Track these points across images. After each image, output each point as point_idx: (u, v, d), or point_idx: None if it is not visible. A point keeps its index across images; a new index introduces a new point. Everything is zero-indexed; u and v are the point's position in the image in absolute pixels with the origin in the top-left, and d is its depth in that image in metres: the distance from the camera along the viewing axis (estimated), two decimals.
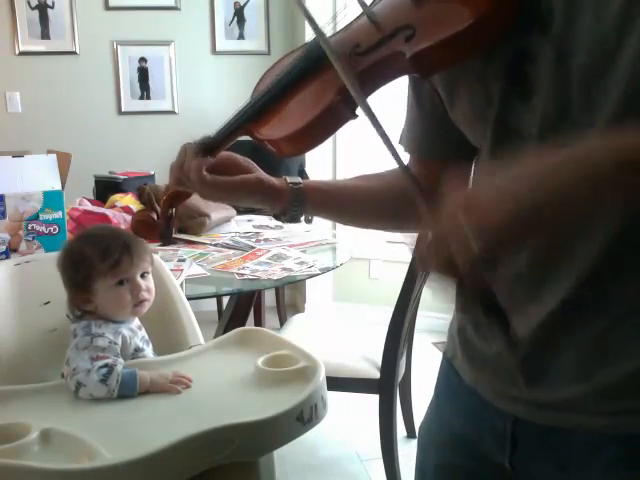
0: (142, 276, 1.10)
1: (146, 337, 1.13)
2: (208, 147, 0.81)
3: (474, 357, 0.78)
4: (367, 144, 3.27)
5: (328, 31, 0.70)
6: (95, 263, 1.06)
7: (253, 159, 0.85)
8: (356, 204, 0.88)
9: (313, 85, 0.73)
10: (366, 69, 0.67)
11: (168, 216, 0.90)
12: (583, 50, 0.58)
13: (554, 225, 0.55)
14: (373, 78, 0.68)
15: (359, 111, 0.68)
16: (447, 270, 0.55)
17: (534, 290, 0.68)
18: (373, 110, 0.60)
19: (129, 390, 0.98)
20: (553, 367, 0.69)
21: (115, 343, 1.05)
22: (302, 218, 0.85)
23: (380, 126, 0.59)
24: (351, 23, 0.73)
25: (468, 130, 0.74)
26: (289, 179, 0.82)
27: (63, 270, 1.10)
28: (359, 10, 0.70)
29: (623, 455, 0.66)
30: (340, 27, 0.74)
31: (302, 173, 3.36)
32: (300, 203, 0.81)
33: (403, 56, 0.64)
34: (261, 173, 0.83)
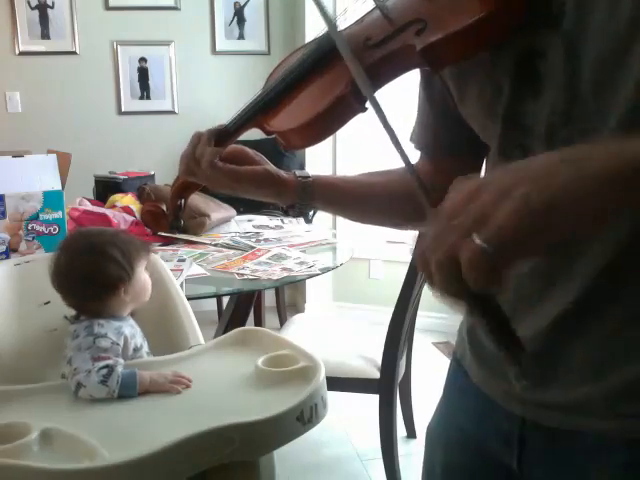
0: None
1: (142, 333, 1.14)
2: (221, 136, 0.81)
3: (483, 357, 0.76)
4: (367, 142, 3.27)
5: (340, 24, 0.69)
6: (125, 267, 1.08)
7: None
8: (371, 200, 0.87)
9: (323, 77, 0.72)
10: (376, 62, 0.66)
11: (177, 206, 0.90)
12: (594, 46, 0.57)
13: (575, 225, 0.45)
14: (383, 71, 0.67)
15: (368, 104, 0.66)
16: (448, 276, 0.46)
17: (545, 289, 0.66)
18: (380, 104, 0.58)
19: (129, 390, 0.98)
20: (562, 368, 0.67)
21: (117, 344, 1.05)
22: (310, 213, 0.87)
23: (386, 119, 0.57)
24: (363, 17, 0.72)
25: (477, 126, 0.72)
26: (298, 172, 0.82)
27: (77, 288, 1.08)
28: (372, 4, 0.70)
29: (633, 459, 0.64)
30: (352, 21, 0.73)
31: None
32: (308, 197, 0.81)
33: (413, 49, 0.63)
34: (271, 166, 0.83)
